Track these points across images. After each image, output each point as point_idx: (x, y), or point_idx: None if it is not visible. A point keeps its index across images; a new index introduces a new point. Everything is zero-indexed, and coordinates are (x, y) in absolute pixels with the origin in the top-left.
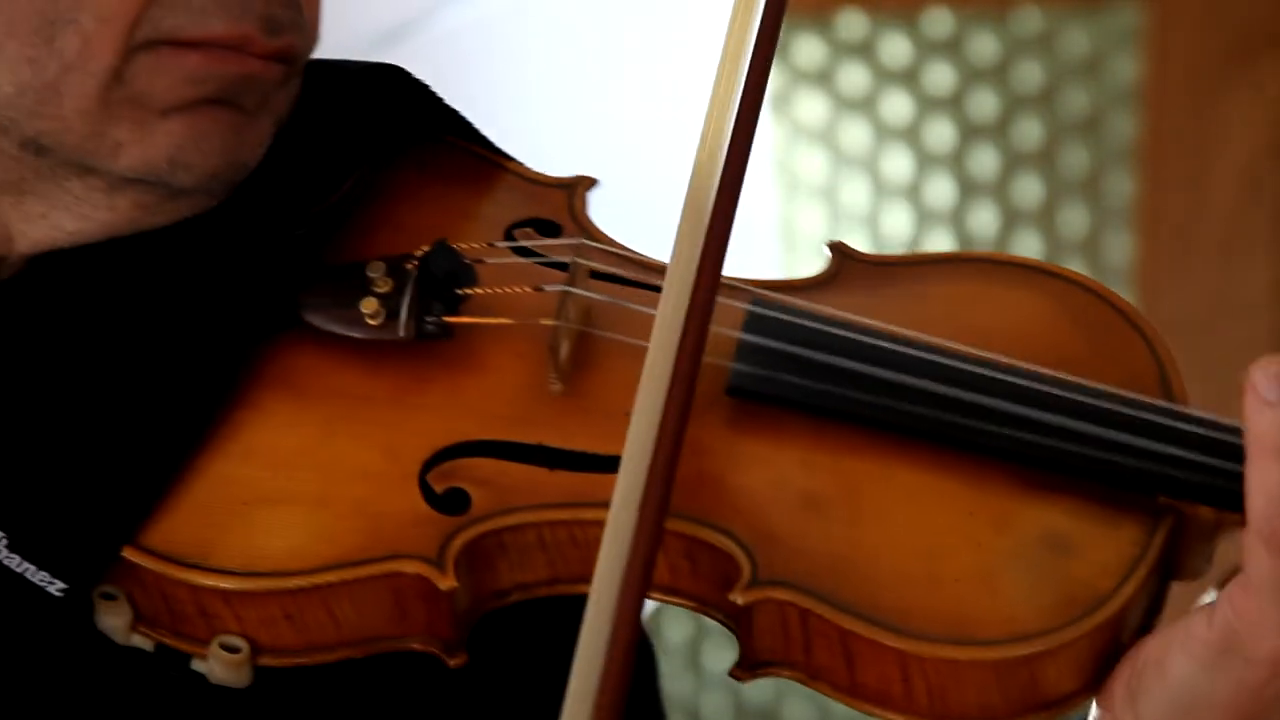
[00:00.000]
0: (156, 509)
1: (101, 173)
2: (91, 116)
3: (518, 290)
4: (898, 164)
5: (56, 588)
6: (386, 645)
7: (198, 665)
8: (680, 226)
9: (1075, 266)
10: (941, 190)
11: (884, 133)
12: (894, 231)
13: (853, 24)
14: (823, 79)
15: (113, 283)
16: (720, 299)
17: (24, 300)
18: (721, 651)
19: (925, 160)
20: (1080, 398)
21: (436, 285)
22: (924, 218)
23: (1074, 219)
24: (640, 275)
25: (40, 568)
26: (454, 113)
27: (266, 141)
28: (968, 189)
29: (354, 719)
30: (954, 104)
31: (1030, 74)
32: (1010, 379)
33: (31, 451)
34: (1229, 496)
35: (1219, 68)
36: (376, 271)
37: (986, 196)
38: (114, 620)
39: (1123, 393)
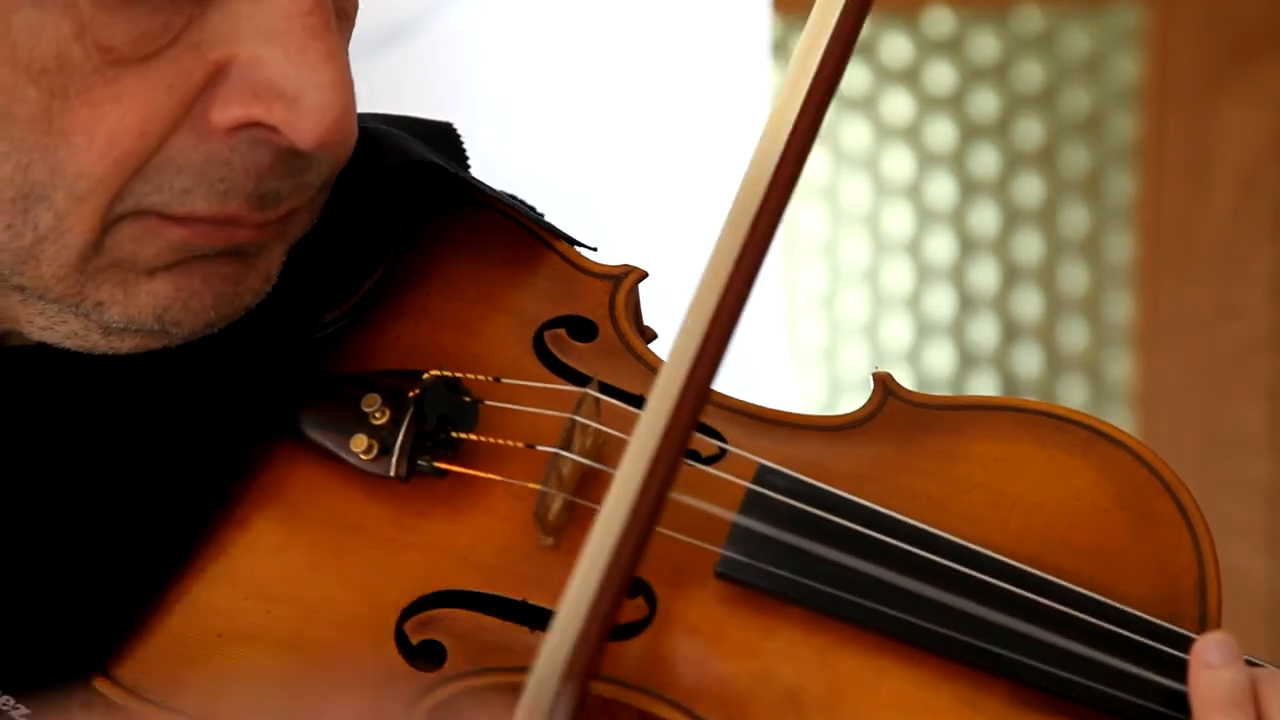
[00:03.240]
0: (131, 634)
1: (94, 320)
2: (71, 280)
3: (512, 445)
4: (898, 164)
5: (21, 713)
6: None
7: None
8: (673, 350)
9: (1075, 266)
10: (941, 190)
11: (884, 133)
12: (895, 232)
13: None
14: None
15: (107, 387)
16: (720, 473)
17: (12, 397)
18: None
19: (925, 160)
20: (1097, 621)
21: (430, 428)
22: (924, 217)
23: (1074, 219)
24: None
25: (3, 691)
26: (497, 196)
27: (276, 271)
28: (968, 189)
29: None
30: (954, 104)
31: (1030, 74)
32: (1023, 594)
33: (6, 568)
34: None
35: (1219, 68)
36: (372, 405)
37: (986, 196)
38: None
39: (1144, 616)
